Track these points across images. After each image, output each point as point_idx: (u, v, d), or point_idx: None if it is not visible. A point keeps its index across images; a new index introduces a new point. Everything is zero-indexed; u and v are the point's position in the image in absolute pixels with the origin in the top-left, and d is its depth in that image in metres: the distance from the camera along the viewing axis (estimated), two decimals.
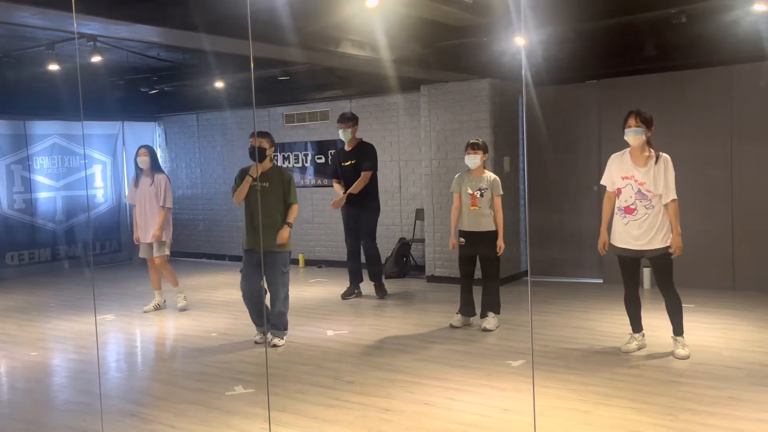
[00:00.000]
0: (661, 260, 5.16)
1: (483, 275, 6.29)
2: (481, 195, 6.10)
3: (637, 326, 5.43)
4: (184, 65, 9.00)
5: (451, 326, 6.34)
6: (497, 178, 6.25)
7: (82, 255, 10.94)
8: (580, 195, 8.39)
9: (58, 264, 10.66)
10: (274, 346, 5.87)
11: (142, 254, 7.53)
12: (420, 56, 7.24)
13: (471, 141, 6.25)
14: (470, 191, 6.13)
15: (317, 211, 10.37)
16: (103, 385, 5.04)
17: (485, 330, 6.12)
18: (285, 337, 6.00)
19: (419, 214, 9.28)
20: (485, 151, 6.21)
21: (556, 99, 8.28)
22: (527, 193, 8.77)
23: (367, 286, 7.97)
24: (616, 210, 5.26)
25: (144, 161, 7.38)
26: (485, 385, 4.75)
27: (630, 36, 7.31)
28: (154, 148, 7.83)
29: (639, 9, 6.27)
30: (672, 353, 5.22)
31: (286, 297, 5.96)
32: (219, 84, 9.46)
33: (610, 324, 6.29)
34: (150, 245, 7.36)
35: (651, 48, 7.33)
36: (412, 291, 8.24)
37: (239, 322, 6.64)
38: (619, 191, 5.21)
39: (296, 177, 10.63)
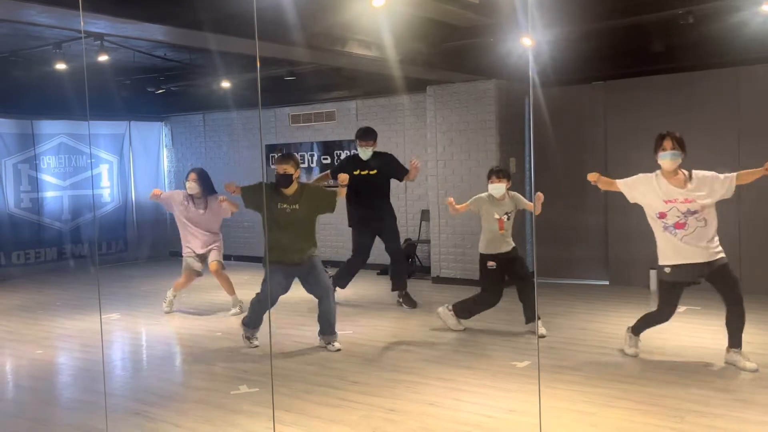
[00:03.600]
0: (724, 270, 4.97)
1: (521, 291, 6.16)
2: (508, 219, 6.08)
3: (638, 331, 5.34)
4: (191, 65, 9.01)
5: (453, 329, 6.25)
6: (516, 193, 6.19)
7: (88, 254, 10.96)
8: (587, 196, 8.36)
9: (64, 263, 10.70)
10: (338, 350, 5.75)
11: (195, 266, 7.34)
12: (426, 57, 7.23)
13: (495, 168, 6.17)
14: (497, 216, 6.03)
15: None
16: (108, 384, 5.05)
17: (543, 336, 5.98)
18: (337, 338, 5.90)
19: (425, 215, 9.27)
20: (509, 178, 6.11)
21: (563, 100, 8.26)
22: (533, 194, 8.75)
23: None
24: (662, 230, 5.01)
25: (193, 187, 7.22)
26: (490, 386, 4.73)
27: (637, 37, 7.29)
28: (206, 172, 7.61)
29: (646, 10, 6.24)
30: (736, 366, 4.97)
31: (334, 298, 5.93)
32: (225, 84, 9.47)
33: (615, 326, 6.26)
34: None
35: (658, 48, 7.30)
36: (418, 291, 8.22)
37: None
38: (663, 215, 5.00)
39: (302, 178, 10.60)
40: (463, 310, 6.23)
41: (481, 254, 6.19)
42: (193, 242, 7.25)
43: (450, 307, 6.26)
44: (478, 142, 8.42)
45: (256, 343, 5.88)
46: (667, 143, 4.97)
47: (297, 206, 5.65)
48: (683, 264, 4.97)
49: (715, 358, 5.18)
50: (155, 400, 4.68)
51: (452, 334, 6.15)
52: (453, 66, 7.69)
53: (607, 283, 8.27)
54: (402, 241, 9.33)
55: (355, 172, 7.36)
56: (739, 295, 4.99)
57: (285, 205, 5.65)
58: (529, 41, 6.27)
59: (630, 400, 4.36)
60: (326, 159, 10.32)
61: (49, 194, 10.60)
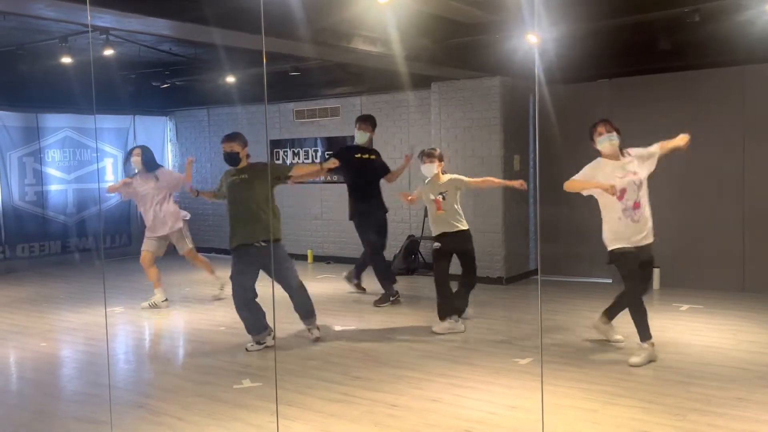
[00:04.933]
0: (649, 253, 5.24)
1: (467, 272, 6.28)
2: (444, 199, 6.11)
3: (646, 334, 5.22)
4: (196, 60, 9.02)
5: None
6: (456, 175, 6.28)
7: (93, 247, 10.99)
8: (591, 195, 8.35)
9: (68, 256, 10.73)
10: (317, 339, 5.82)
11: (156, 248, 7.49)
12: (431, 53, 7.23)
13: (425, 150, 6.34)
14: (432, 197, 6.14)
15: (326, 208, 10.38)
16: (112, 377, 5.07)
17: (462, 332, 6.05)
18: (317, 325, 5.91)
19: (428, 211, 9.26)
20: (441, 159, 6.26)
21: (568, 97, 8.24)
22: (538, 191, 8.75)
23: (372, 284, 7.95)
24: (621, 213, 5.17)
25: (137, 161, 7.36)
26: (493, 383, 4.75)
27: (643, 35, 7.27)
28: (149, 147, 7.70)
29: (652, 7, 6.23)
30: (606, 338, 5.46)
31: (302, 284, 5.85)
32: (230, 79, 9.48)
33: (618, 324, 6.26)
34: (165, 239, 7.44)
35: (664, 46, 7.28)
36: (421, 287, 8.24)
37: None
38: (623, 192, 5.14)
39: None
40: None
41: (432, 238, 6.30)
42: (150, 222, 7.36)
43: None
44: (482, 139, 8.42)
45: (270, 342, 5.69)
46: (602, 128, 5.23)
47: (246, 175, 5.70)
48: (628, 247, 5.17)
49: (716, 357, 5.18)
50: (159, 394, 4.70)
51: (455, 331, 6.16)
52: (458, 63, 7.69)
53: (610, 281, 8.25)
54: (405, 237, 9.37)
55: (356, 156, 7.48)
56: (651, 277, 5.42)
57: (235, 177, 5.75)
58: (534, 38, 6.27)
59: (632, 398, 4.37)
60: (330, 155, 10.31)
61: (54, 187, 10.63)
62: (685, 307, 6.76)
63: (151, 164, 7.43)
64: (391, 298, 7.33)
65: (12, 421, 4.21)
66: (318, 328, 5.95)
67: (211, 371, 5.19)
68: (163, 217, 7.36)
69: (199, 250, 11.18)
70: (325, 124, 10.38)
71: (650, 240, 5.22)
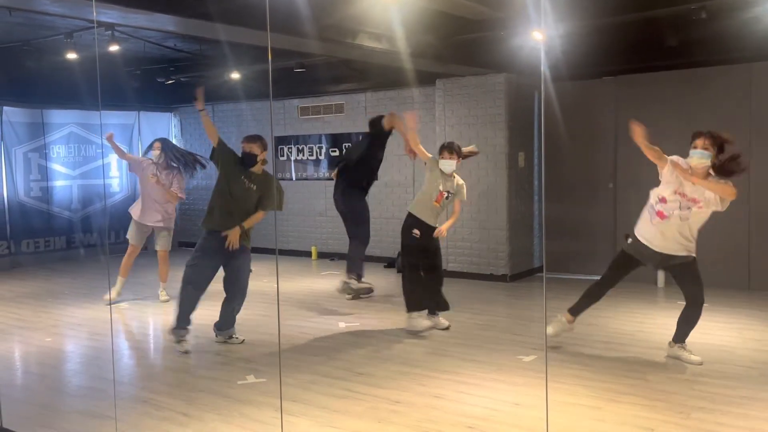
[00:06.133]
0: (689, 267, 5.00)
1: (433, 270, 6.08)
2: (447, 198, 6.01)
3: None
4: (201, 56, 9.03)
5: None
6: (463, 183, 6.13)
7: (98, 243, 11.02)
8: (596, 191, 8.34)
9: (73, 252, 10.76)
10: (230, 338, 5.77)
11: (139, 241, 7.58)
12: (436, 50, 7.21)
13: (446, 143, 6.08)
14: (441, 188, 5.98)
15: (330, 204, 10.34)
16: (117, 372, 5.08)
17: (447, 328, 6.02)
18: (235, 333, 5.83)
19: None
20: (461, 156, 6.05)
21: (573, 95, 8.22)
22: (543, 189, 8.74)
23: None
24: (648, 209, 5.04)
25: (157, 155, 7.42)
26: (496, 380, 4.74)
27: (649, 32, 7.24)
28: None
29: (659, 4, 6.21)
30: (680, 360, 5.08)
31: (242, 301, 5.80)
32: (235, 75, 9.48)
33: (622, 322, 6.26)
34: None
35: (670, 43, 7.25)
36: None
37: (252, 312, 6.66)
38: (663, 200, 4.95)
39: (310, 170, 10.67)
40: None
41: (408, 213, 6.07)
42: (142, 209, 7.46)
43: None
44: (487, 135, 8.40)
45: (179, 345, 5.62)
46: (699, 142, 4.83)
47: (254, 187, 5.62)
48: (649, 247, 5.02)
49: (721, 355, 5.17)
50: (163, 389, 4.71)
51: (458, 328, 6.16)
52: (463, 59, 7.67)
53: None
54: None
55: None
56: (700, 297, 4.99)
57: (245, 179, 5.58)
58: (540, 35, 6.24)
59: (636, 395, 4.36)
60: (334, 151, 10.33)
61: (59, 183, 10.65)
62: None
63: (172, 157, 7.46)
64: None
65: (17, 415, 4.22)
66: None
67: (215, 367, 5.20)
68: (155, 209, 7.41)
69: (187, 245, 11.23)
70: (330, 120, 10.38)
71: (678, 253, 4.97)
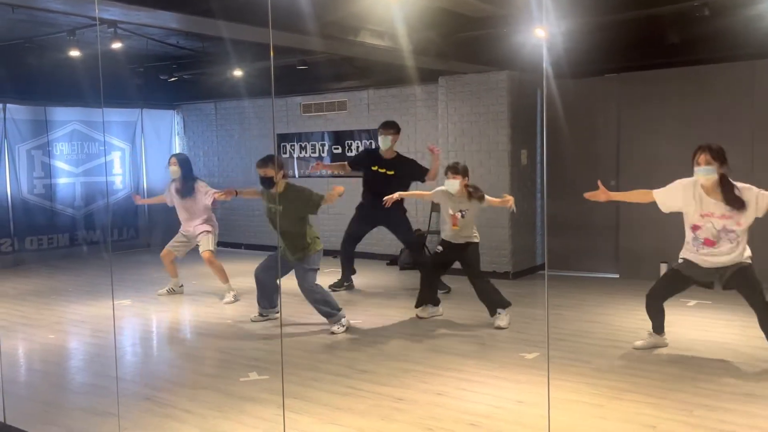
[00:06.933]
0: (744, 273, 4.85)
1: (472, 277, 6.20)
2: (462, 216, 6.06)
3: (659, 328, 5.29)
4: (203, 53, 9.03)
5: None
6: (482, 194, 6.13)
7: (101, 240, 11.04)
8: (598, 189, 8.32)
9: (76, 249, 10.77)
10: (332, 333, 5.91)
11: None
12: (439, 47, 7.21)
13: (450, 164, 6.15)
14: (451, 212, 6.06)
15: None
16: (120, 369, 5.09)
17: (499, 328, 6.03)
18: (343, 321, 5.96)
19: (435, 206, 9.25)
20: (466, 175, 6.09)
21: (576, 92, 8.22)
22: (546, 186, 8.73)
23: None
24: (691, 240, 4.92)
25: (175, 171, 7.40)
26: (499, 377, 4.75)
27: (651, 29, 7.23)
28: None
29: (661, 1, 6.20)
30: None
31: (322, 291, 6.05)
32: (237, 73, 9.49)
33: (625, 319, 6.26)
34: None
35: (673, 40, 7.24)
36: None
37: (255, 310, 6.68)
38: (696, 227, 4.86)
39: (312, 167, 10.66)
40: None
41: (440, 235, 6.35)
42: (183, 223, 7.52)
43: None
44: (489, 133, 8.40)
45: (257, 318, 6.38)
46: (702, 158, 4.72)
47: (281, 207, 5.78)
48: (698, 265, 4.93)
49: (725, 353, 5.16)
50: (166, 386, 4.72)
51: (461, 325, 6.16)
52: (465, 57, 7.67)
53: (617, 276, 8.25)
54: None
55: (373, 168, 7.37)
56: (762, 300, 4.86)
57: (271, 206, 5.92)
58: (542, 33, 6.24)
59: (639, 393, 4.36)
60: (337, 149, 10.33)
61: (62, 181, 10.67)
62: (692, 302, 6.73)
63: (188, 173, 7.42)
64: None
65: (21, 412, 4.23)
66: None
67: (218, 364, 5.22)
68: (194, 219, 7.43)
69: (227, 245, 11.25)
70: (333, 117, 10.37)
71: (731, 263, 4.86)
